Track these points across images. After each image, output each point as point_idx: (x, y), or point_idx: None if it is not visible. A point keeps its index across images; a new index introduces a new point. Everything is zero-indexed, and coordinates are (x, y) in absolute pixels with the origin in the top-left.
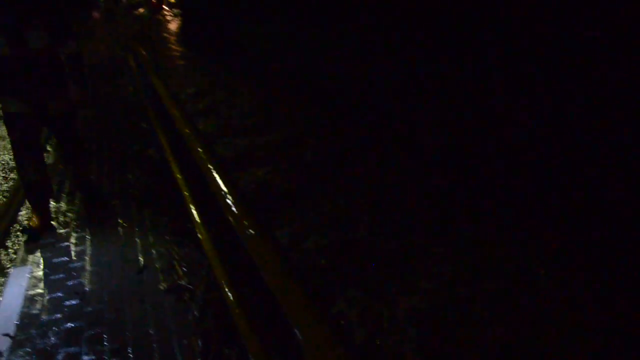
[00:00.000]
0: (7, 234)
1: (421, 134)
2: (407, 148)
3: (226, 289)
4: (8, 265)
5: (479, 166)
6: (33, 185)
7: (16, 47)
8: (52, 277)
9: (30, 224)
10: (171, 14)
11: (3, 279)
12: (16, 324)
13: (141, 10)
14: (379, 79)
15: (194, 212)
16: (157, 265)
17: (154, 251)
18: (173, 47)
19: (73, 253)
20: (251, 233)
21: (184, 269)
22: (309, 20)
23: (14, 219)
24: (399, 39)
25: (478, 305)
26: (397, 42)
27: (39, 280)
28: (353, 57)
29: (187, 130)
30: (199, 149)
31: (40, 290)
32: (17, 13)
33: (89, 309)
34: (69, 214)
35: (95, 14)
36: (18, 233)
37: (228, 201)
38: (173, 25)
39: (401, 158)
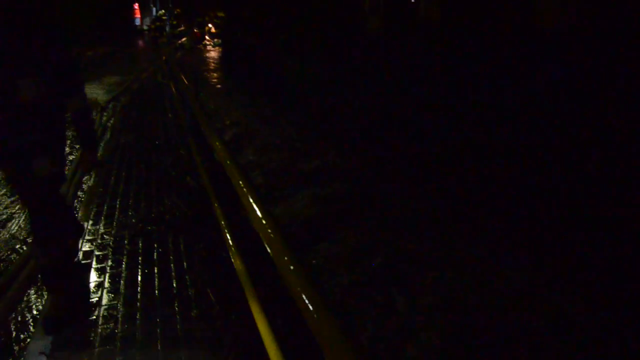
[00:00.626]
0: None
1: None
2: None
3: (257, 316)
4: None
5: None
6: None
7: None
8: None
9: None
10: (212, 44)
11: None
12: None
13: (184, 39)
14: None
15: (230, 240)
16: (189, 292)
17: (187, 277)
18: (213, 75)
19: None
20: (291, 269)
21: (217, 296)
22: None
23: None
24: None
25: None
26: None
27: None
28: (387, 97)
29: (225, 159)
30: (236, 178)
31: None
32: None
33: (121, 334)
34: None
35: (140, 42)
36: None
37: (265, 231)
38: (214, 55)
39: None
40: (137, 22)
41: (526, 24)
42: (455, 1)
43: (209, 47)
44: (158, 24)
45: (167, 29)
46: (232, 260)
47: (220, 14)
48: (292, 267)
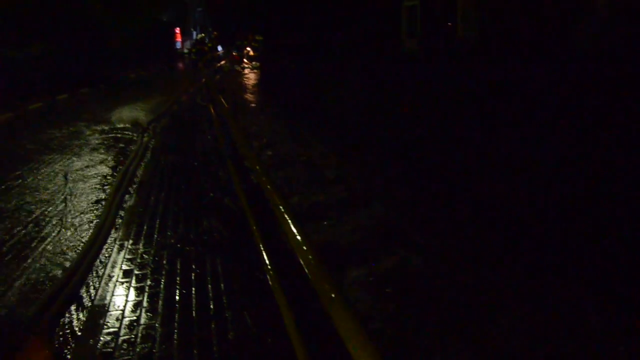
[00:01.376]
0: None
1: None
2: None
3: (295, 343)
4: None
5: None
6: None
7: None
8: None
9: None
10: (250, 66)
11: None
12: None
13: (223, 62)
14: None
15: (267, 262)
16: (227, 315)
17: (224, 299)
18: (251, 98)
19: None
20: (330, 297)
21: (254, 320)
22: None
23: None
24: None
25: None
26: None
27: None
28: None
29: (263, 181)
30: (275, 201)
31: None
32: None
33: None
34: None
35: (180, 65)
36: None
37: (303, 255)
38: (252, 78)
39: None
40: (178, 45)
41: (564, 44)
42: (493, 22)
43: (247, 70)
44: (198, 47)
45: (207, 52)
46: (270, 283)
47: (259, 38)
48: (333, 296)
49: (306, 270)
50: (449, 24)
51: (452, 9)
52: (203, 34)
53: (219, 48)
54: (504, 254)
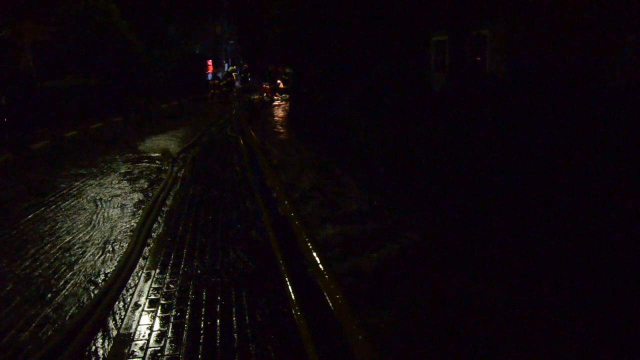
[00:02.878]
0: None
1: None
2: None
3: None
4: None
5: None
6: None
7: None
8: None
9: None
10: (280, 99)
11: None
12: None
13: (253, 95)
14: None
15: (293, 297)
16: (250, 348)
17: (248, 331)
18: (280, 130)
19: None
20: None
21: (278, 354)
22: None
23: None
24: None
25: None
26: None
27: None
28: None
29: (291, 215)
30: (302, 235)
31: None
32: None
33: None
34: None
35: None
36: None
37: (330, 291)
38: (282, 110)
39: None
40: (210, 76)
41: (593, 79)
42: (521, 57)
43: (277, 102)
44: (229, 79)
45: (237, 84)
46: (295, 318)
47: (288, 70)
48: (360, 338)
49: (330, 304)
50: (478, 58)
51: (482, 44)
52: (235, 66)
53: (249, 79)
54: None
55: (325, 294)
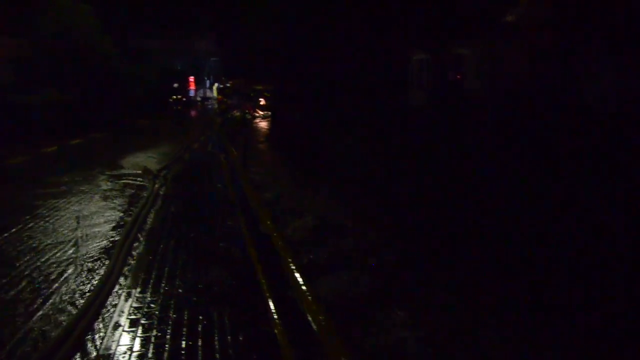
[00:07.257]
0: None
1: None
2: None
3: None
4: None
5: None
6: None
7: None
8: None
9: None
10: (261, 116)
11: None
12: None
13: (235, 112)
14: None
15: (275, 315)
16: None
17: (230, 352)
18: (260, 147)
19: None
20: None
21: None
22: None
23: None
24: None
25: None
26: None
27: None
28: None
29: (273, 234)
30: (283, 254)
31: None
32: None
33: None
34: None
35: (193, 112)
36: None
37: (311, 310)
38: (262, 127)
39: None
40: (192, 93)
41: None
42: (500, 75)
43: (258, 120)
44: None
45: (225, 100)
46: (278, 337)
47: (270, 87)
48: None
49: (312, 323)
50: (458, 76)
51: (460, 62)
52: (230, 83)
53: (231, 96)
54: None
55: (304, 309)
